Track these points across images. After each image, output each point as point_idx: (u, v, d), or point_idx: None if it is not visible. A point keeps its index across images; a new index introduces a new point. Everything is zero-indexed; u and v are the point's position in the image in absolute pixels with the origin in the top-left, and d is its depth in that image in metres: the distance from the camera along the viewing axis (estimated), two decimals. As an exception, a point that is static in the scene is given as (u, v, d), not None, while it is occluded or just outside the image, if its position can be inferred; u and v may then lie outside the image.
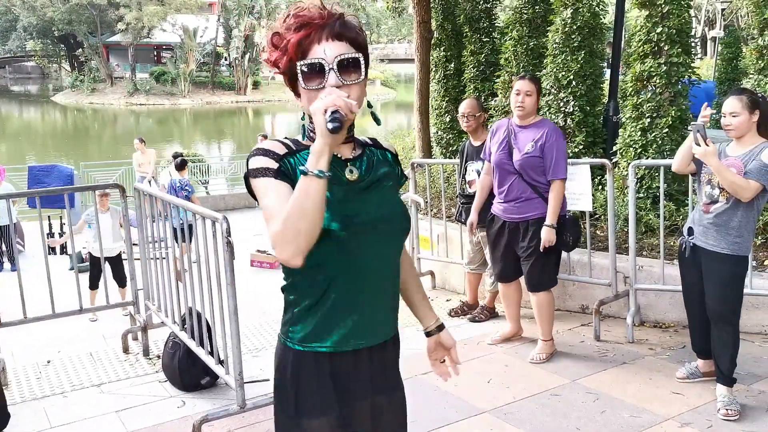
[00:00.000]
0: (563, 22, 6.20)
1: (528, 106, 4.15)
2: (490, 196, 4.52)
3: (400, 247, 1.79)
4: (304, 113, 1.69)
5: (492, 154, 4.33)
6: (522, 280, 4.42)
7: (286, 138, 1.69)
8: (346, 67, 1.58)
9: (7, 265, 10.02)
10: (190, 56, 45.99)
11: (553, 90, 6.27)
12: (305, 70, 1.58)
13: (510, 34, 6.89)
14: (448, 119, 8.00)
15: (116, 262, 7.37)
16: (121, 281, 7.49)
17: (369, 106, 1.70)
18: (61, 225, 11.12)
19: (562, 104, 6.24)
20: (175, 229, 4.52)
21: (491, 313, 5.24)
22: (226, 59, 50.30)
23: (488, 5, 7.79)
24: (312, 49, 1.58)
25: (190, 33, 46.50)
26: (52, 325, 5.28)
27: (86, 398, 3.92)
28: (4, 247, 10.18)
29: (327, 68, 1.57)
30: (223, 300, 3.39)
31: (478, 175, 4.98)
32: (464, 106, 5.06)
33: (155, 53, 53.76)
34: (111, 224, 7.38)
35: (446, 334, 1.95)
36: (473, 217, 4.64)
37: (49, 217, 10.75)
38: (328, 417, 1.70)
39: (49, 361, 4.48)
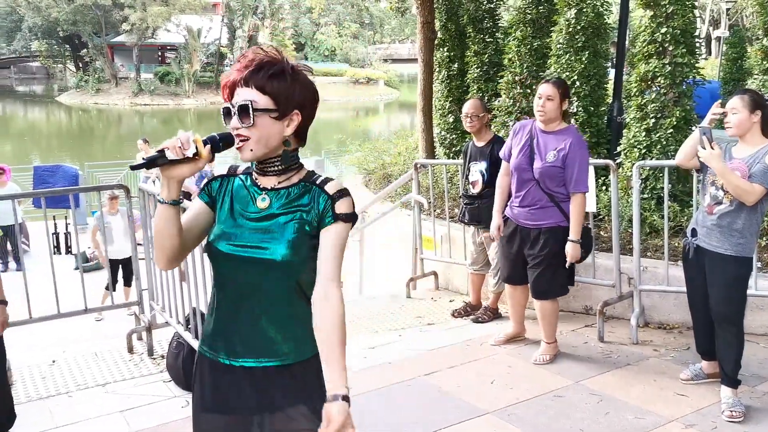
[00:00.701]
0: (567, 23, 6.20)
1: (549, 111, 4.07)
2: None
3: (279, 281, 1.81)
4: None
5: (512, 157, 4.26)
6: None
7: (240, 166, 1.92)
8: (244, 111, 1.75)
9: (12, 264, 10.06)
10: (194, 56, 46.05)
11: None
12: (222, 112, 1.80)
13: (514, 35, 6.89)
14: (451, 119, 8.00)
15: (128, 263, 7.40)
16: (127, 280, 7.53)
17: (286, 144, 1.84)
18: (66, 225, 11.15)
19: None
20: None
21: (494, 314, 5.23)
22: (230, 59, 50.35)
23: (492, 5, 7.78)
24: (235, 93, 1.80)
25: (194, 33, 46.55)
26: (57, 325, 5.30)
27: (91, 398, 3.94)
28: (9, 247, 10.22)
29: (232, 113, 1.76)
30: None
31: (482, 176, 4.98)
32: (468, 107, 5.05)
33: (159, 54, 53.81)
34: (123, 225, 7.42)
35: (334, 407, 1.68)
36: (497, 219, 4.43)
37: (54, 217, 10.78)
38: (222, 415, 1.87)
39: (54, 361, 4.49)
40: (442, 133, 8.21)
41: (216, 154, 1.80)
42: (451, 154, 7.94)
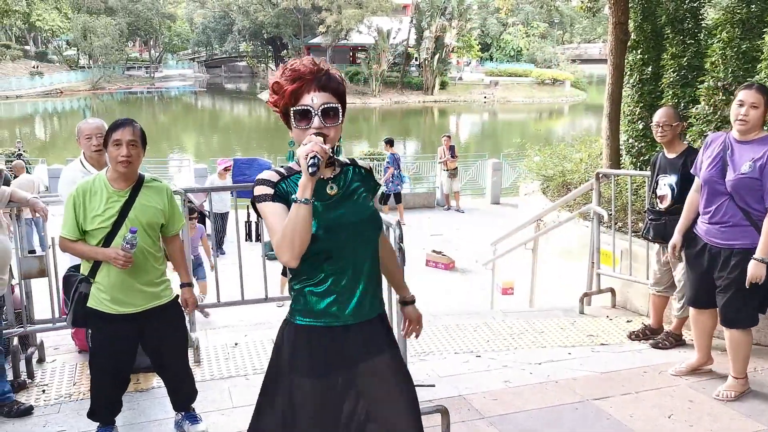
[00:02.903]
0: (784, 23, 5.52)
1: (752, 119, 3.66)
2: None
3: (374, 243, 2.22)
4: (293, 141, 2.14)
5: (702, 170, 3.90)
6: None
7: (281, 166, 2.16)
8: (327, 113, 2.05)
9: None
10: (382, 57, 47.71)
11: None
12: (296, 113, 2.06)
13: (719, 36, 6.27)
14: (641, 126, 7.48)
15: None
16: None
17: (338, 149, 2.15)
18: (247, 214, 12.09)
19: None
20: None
21: (677, 341, 4.81)
22: (416, 60, 51.50)
23: (695, 4, 7.15)
24: (302, 97, 2.06)
25: (383, 34, 48.22)
26: (244, 308, 5.75)
27: (265, 383, 4.19)
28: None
29: (313, 113, 2.05)
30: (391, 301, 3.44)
31: (671, 190, 4.60)
32: (659, 115, 4.68)
33: (351, 54, 56.48)
34: None
35: (411, 309, 2.56)
36: (677, 238, 4.14)
37: (247, 206, 11.68)
38: (312, 379, 2.14)
39: (236, 344, 4.85)
40: (629, 141, 7.71)
41: None
42: (639, 164, 7.43)
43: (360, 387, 2.17)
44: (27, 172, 13.76)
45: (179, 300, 3.54)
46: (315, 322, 2.16)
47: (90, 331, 3.40)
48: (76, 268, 3.47)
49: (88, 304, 3.27)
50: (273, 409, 2.21)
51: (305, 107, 2.04)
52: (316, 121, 2.04)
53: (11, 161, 14.78)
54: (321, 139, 1.99)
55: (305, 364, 2.15)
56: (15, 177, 12.24)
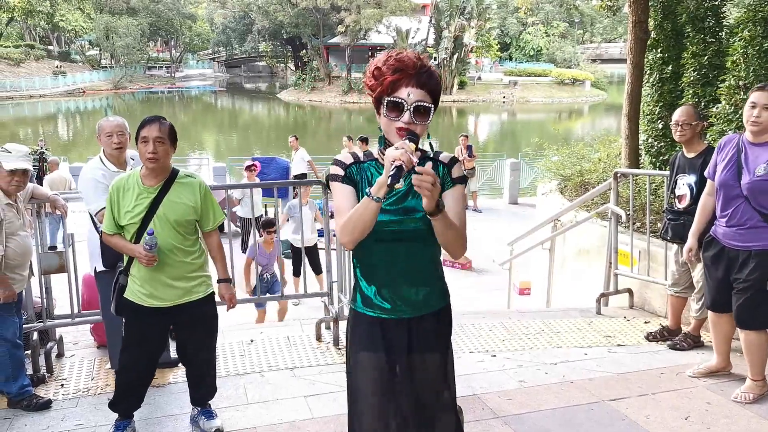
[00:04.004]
0: (807, 21, 5.43)
1: (765, 121, 3.63)
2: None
3: (425, 238, 2.17)
4: (381, 128, 2.19)
5: (717, 173, 3.88)
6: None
7: (368, 149, 2.27)
8: (419, 110, 2.08)
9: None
10: (401, 57, 47.66)
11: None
12: (389, 104, 2.09)
13: (740, 34, 6.19)
14: (660, 126, 7.40)
15: (311, 252, 7.94)
16: (317, 268, 8.04)
17: (430, 147, 2.23)
18: (275, 213, 12.10)
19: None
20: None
21: (695, 342, 4.76)
22: (434, 59, 51.39)
23: (716, 2, 7.06)
24: (399, 89, 2.08)
25: (402, 34, 48.19)
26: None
27: (280, 380, 4.21)
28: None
29: (405, 107, 2.07)
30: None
31: (690, 190, 4.55)
32: (679, 114, 4.63)
33: (370, 54, 56.38)
34: (310, 216, 7.99)
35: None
36: (692, 242, 4.12)
37: (265, 205, 11.75)
38: (370, 354, 2.27)
39: (252, 341, 4.87)
40: (648, 141, 7.63)
41: None
42: (658, 164, 7.35)
43: (411, 377, 2.29)
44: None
45: (216, 296, 3.58)
46: (365, 311, 2.29)
47: (124, 321, 3.47)
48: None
49: (124, 295, 3.37)
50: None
51: (400, 100, 2.07)
52: (406, 116, 2.07)
53: (37, 159, 15.06)
54: (413, 147, 1.98)
55: (363, 342, 2.30)
56: (50, 172, 12.51)
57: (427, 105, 2.08)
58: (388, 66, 2.10)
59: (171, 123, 3.35)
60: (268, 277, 6.73)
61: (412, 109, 2.07)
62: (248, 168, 10.89)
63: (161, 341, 3.54)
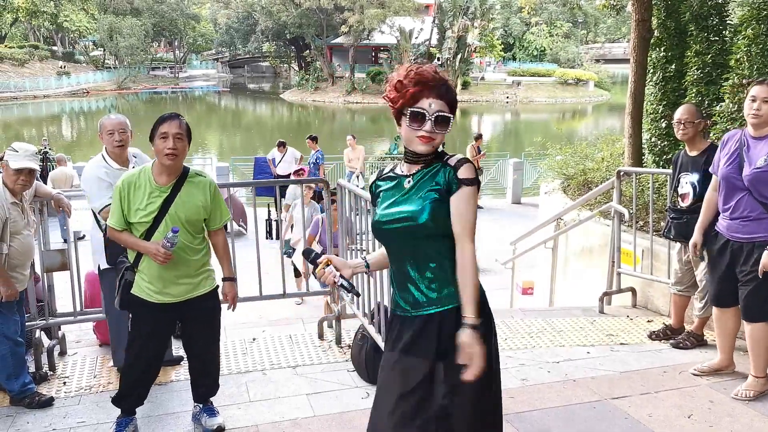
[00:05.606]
0: (811, 19, 5.41)
1: (765, 114, 3.67)
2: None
3: (425, 239, 2.23)
4: (399, 136, 2.34)
5: (720, 167, 3.89)
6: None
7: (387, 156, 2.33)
8: (439, 120, 2.19)
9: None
10: (404, 57, 47.60)
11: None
12: (412, 114, 2.20)
13: (744, 33, 6.17)
14: (663, 125, 7.38)
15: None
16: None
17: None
18: (270, 212, 12.12)
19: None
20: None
21: (698, 341, 4.75)
22: (438, 60, 51.38)
23: (719, 1, 7.05)
24: (421, 101, 2.19)
25: (405, 35, 48.16)
26: (261, 305, 5.77)
27: (282, 378, 4.21)
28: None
29: (427, 118, 2.18)
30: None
31: (693, 188, 4.54)
32: (681, 112, 4.62)
33: (373, 54, 56.49)
34: (308, 216, 8.00)
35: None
36: (697, 237, 4.14)
37: (267, 204, 11.76)
38: (388, 351, 2.36)
39: (254, 339, 4.88)
40: (652, 140, 7.61)
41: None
42: (662, 163, 7.34)
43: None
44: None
45: (219, 293, 3.59)
46: (392, 308, 2.42)
47: (131, 317, 3.48)
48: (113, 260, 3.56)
49: (131, 291, 3.37)
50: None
51: (422, 110, 2.18)
52: (428, 126, 2.19)
53: (41, 159, 15.14)
54: (321, 267, 2.36)
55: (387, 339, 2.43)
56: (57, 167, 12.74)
57: (447, 115, 2.21)
58: (410, 79, 2.21)
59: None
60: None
61: (433, 119, 2.18)
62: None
63: (168, 336, 3.59)
